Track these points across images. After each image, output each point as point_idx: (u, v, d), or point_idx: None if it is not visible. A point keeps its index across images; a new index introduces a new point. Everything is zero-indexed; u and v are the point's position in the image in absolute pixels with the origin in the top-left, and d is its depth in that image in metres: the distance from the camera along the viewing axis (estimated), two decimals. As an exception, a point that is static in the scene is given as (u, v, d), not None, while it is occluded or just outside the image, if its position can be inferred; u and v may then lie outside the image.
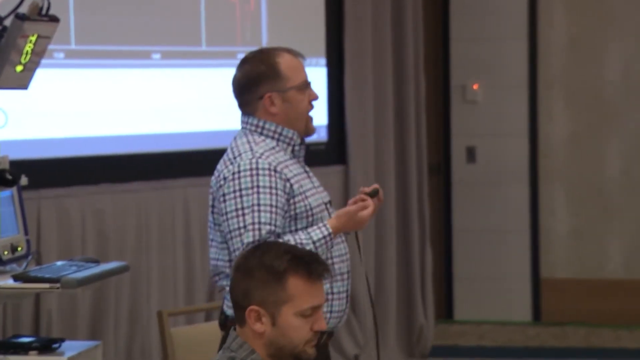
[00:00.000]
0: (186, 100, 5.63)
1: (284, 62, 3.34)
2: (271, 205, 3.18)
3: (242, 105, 3.38)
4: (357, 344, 6.43)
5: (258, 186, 3.19)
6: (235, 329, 2.68)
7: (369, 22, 6.54)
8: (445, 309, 7.63)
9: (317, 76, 6.16)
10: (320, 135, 6.17)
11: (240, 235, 3.16)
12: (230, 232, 3.19)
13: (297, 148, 3.37)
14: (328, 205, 3.40)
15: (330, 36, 6.39)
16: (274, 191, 3.20)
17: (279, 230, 3.19)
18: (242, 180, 3.21)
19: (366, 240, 6.51)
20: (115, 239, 5.27)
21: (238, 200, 3.19)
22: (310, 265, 2.62)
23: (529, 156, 7.54)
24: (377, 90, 6.61)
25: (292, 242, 3.16)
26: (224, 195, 3.22)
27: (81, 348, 3.80)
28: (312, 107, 3.38)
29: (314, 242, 3.20)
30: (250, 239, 3.14)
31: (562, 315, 7.50)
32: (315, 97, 3.39)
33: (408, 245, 6.80)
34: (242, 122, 3.37)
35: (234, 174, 3.22)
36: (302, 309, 2.60)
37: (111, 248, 5.22)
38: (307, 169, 3.42)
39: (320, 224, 3.25)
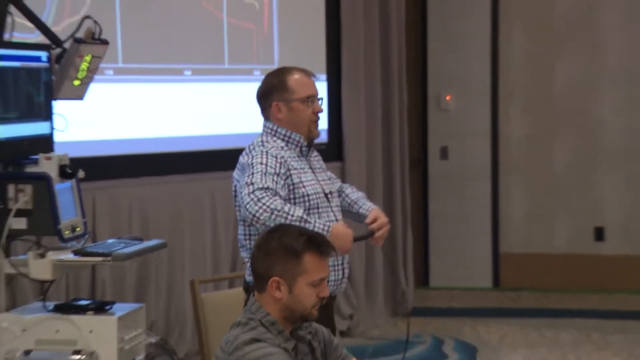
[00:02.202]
0: (212, 109, 5.62)
1: (294, 78, 3.34)
2: (266, 173, 3.17)
3: (261, 110, 3.41)
4: (351, 305, 6.45)
5: (266, 164, 3.20)
6: (254, 295, 2.70)
7: (362, 43, 6.52)
8: (423, 277, 7.64)
9: (319, 88, 6.13)
10: (321, 137, 6.15)
11: (247, 186, 3.13)
12: (241, 186, 3.18)
13: (304, 149, 3.38)
14: (329, 195, 3.41)
15: (330, 55, 6.38)
16: (271, 169, 3.20)
17: (278, 191, 3.17)
18: (255, 159, 3.23)
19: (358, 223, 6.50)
20: (155, 221, 5.27)
21: (249, 168, 3.21)
22: (321, 245, 2.65)
23: (491, 154, 7.54)
24: (368, 99, 6.60)
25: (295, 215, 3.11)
26: (241, 165, 3.26)
27: (128, 309, 3.78)
28: (316, 117, 3.37)
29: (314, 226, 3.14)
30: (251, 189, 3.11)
31: (518, 283, 7.50)
32: (320, 110, 3.38)
33: (393, 227, 6.75)
34: (263, 125, 3.40)
35: (248, 157, 3.26)
36: (313, 280, 2.62)
37: (152, 229, 5.22)
38: (315, 165, 3.42)
39: (328, 222, 3.18)
